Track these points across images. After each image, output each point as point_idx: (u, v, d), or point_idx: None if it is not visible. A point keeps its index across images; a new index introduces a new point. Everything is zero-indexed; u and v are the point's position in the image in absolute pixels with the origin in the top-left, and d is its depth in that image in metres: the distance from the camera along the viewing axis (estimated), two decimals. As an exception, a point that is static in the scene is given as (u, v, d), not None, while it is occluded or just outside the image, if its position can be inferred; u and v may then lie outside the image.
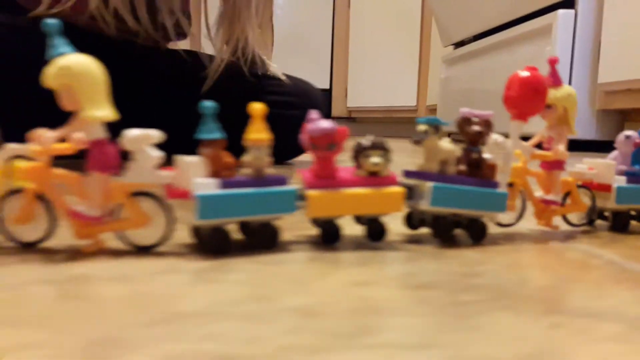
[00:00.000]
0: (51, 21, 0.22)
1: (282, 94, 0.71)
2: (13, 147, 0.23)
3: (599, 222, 0.34)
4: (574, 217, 0.33)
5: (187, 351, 0.15)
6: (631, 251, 0.29)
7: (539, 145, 0.32)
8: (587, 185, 0.33)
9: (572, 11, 1.29)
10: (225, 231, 0.25)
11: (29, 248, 0.24)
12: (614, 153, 0.33)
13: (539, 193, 0.33)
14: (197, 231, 0.27)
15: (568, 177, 0.32)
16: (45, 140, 0.22)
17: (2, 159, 0.23)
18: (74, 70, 0.22)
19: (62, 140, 0.23)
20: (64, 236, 0.25)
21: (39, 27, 0.22)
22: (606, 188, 0.32)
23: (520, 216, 0.33)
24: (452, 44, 2.17)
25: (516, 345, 0.16)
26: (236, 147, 0.27)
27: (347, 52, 2.87)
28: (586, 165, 0.32)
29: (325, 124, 0.27)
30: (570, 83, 1.33)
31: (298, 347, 0.15)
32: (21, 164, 0.24)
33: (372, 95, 2.72)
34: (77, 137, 0.23)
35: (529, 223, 0.33)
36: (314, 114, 0.29)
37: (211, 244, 0.25)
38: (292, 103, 0.70)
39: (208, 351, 0.15)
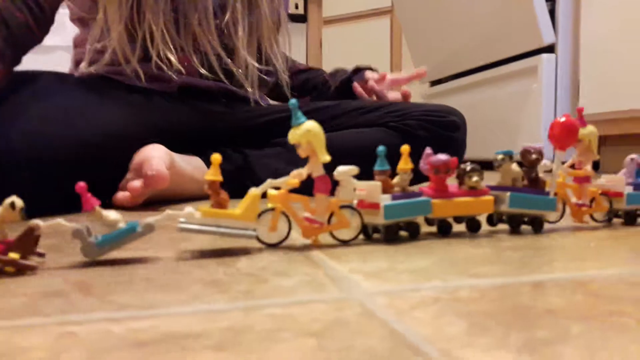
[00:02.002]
0: (293, 101, 0.39)
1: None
2: (270, 181, 0.39)
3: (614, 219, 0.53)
4: (598, 215, 0.52)
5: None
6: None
7: (572, 166, 0.51)
8: (606, 193, 0.51)
9: (553, 55, 1.60)
10: (397, 226, 0.42)
11: (273, 247, 0.40)
12: (623, 170, 0.52)
13: (573, 199, 0.51)
14: (365, 230, 0.43)
15: (592, 187, 0.51)
16: (301, 175, 0.39)
17: (263, 190, 0.39)
18: (313, 132, 0.39)
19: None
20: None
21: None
22: (619, 195, 0.51)
23: (562, 216, 0.51)
24: (429, 82, 2.42)
25: None
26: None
27: (322, 92, 3.08)
28: (605, 180, 0.51)
29: (444, 156, 0.44)
30: (555, 115, 1.60)
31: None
32: (272, 192, 0.40)
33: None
34: (297, 173, 0.40)
35: (566, 221, 0.52)
36: (428, 149, 0.46)
37: (388, 235, 0.42)
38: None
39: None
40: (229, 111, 0.89)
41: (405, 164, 0.44)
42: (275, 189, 0.40)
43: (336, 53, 3.11)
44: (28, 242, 0.34)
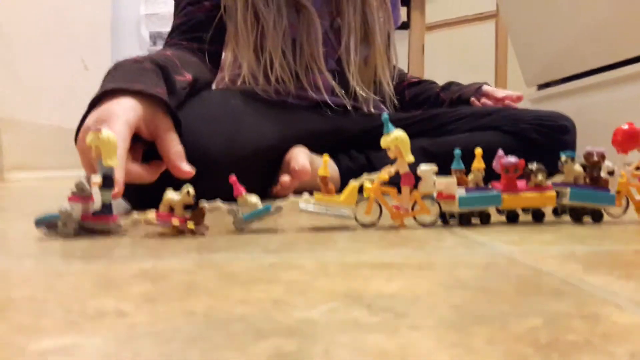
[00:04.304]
0: (385, 115, 0.54)
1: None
2: (366, 177, 0.54)
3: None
4: (661, 210, 0.61)
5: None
6: None
7: (637, 168, 0.61)
8: (668, 190, 0.60)
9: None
10: (470, 214, 0.55)
11: (368, 228, 0.55)
12: (683, 169, 0.61)
13: (638, 197, 0.61)
14: (443, 216, 0.57)
15: (655, 185, 0.60)
16: (390, 172, 0.53)
17: (360, 182, 0.54)
18: (400, 138, 0.53)
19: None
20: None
21: None
22: (680, 191, 0.60)
23: (625, 211, 0.61)
24: (537, 85, 2.45)
25: None
26: None
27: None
28: (665, 178, 0.60)
29: (514, 158, 0.57)
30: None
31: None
32: (367, 184, 0.55)
33: (454, 140, 3.02)
34: (386, 170, 0.54)
35: (631, 216, 0.61)
36: (500, 151, 0.59)
37: (462, 220, 0.55)
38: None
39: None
40: (353, 120, 1.08)
41: (478, 163, 0.57)
42: (370, 182, 0.55)
43: (439, 59, 3.21)
44: (199, 217, 0.52)
